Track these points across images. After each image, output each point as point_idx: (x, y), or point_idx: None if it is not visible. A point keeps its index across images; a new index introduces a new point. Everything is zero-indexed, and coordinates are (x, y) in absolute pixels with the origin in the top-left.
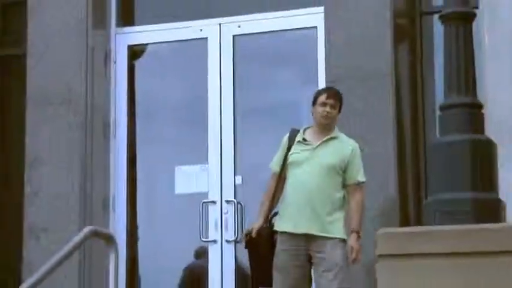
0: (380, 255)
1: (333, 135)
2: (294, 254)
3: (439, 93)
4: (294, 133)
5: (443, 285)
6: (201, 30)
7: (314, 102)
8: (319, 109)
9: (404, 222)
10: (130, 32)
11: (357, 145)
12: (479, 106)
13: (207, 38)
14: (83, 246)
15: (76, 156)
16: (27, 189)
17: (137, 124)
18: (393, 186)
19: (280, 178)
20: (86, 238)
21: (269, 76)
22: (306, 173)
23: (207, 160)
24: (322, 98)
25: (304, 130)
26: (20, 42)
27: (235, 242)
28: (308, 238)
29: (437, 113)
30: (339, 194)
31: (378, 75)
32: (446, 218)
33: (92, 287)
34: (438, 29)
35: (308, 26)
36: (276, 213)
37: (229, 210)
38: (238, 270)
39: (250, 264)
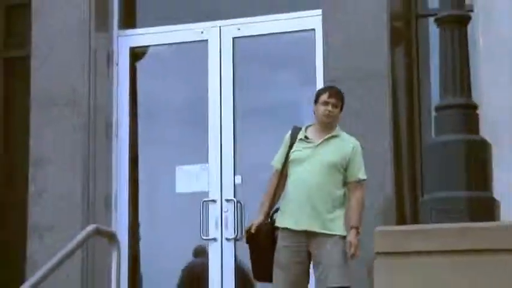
0: (377, 253)
1: (334, 133)
2: (295, 250)
3: (434, 94)
4: (296, 131)
5: (439, 283)
6: (201, 32)
7: (316, 101)
8: (321, 108)
9: (401, 220)
10: (132, 35)
11: (358, 143)
12: (474, 107)
13: (207, 40)
14: (86, 245)
15: (79, 157)
16: (31, 189)
17: (139, 125)
18: (390, 185)
19: (282, 175)
20: (88, 236)
21: (268, 77)
22: (307, 171)
23: (207, 160)
24: (324, 97)
25: (306, 128)
26: (24, 45)
27: (235, 240)
28: (309, 235)
29: (433, 113)
30: (340, 192)
31: (375, 77)
32: (442, 217)
33: (94, 285)
34: (434, 31)
35: (306, 28)
36: (277, 209)
37: (229, 208)
38: (238, 267)
39: (251, 259)
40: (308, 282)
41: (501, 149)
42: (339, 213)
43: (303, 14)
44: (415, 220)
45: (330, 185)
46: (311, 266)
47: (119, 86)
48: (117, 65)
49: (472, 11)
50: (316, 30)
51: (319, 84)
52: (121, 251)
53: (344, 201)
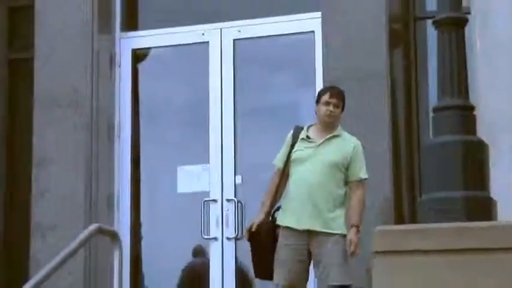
0: (376, 252)
1: (336, 133)
2: (296, 248)
3: (432, 95)
4: (297, 130)
5: (437, 282)
6: (202, 34)
7: (317, 101)
8: (323, 108)
9: (399, 220)
10: (134, 37)
11: (359, 142)
12: (471, 108)
13: (208, 42)
14: (88, 244)
15: (81, 157)
16: (35, 189)
17: (141, 125)
18: (388, 186)
19: (284, 174)
20: (91, 235)
21: (268, 78)
22: (309, 171)
23: (208, 160)
24: (326, 97)
25: (308, 128)
26: (27, 46)
27: (236, 239)
28: (310, 234)
29: (431, 114)
30: (341, 191)
31: (374, 77)
32: (439, 216)
33: (96, 284)
34: (432, 33)
35: (306, 30)
36: (278, 208)
37: (230, 208)
38: (239, 266)
39: (252, 257)
40: (307, 280)
41: (498, 149)
42: (340, 212)
43: (303, 16)
44: (413, 220)
45: (331, 184)
46: (311, 264)
47: (121, 87)
48: (119, 66)
49: (469, 13)
50: (315, 33)
51: (319, 85)
52: (123, 250)
53: (345, 201)
